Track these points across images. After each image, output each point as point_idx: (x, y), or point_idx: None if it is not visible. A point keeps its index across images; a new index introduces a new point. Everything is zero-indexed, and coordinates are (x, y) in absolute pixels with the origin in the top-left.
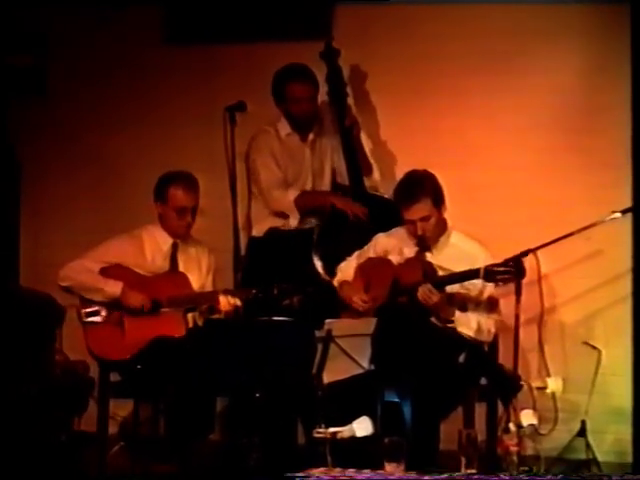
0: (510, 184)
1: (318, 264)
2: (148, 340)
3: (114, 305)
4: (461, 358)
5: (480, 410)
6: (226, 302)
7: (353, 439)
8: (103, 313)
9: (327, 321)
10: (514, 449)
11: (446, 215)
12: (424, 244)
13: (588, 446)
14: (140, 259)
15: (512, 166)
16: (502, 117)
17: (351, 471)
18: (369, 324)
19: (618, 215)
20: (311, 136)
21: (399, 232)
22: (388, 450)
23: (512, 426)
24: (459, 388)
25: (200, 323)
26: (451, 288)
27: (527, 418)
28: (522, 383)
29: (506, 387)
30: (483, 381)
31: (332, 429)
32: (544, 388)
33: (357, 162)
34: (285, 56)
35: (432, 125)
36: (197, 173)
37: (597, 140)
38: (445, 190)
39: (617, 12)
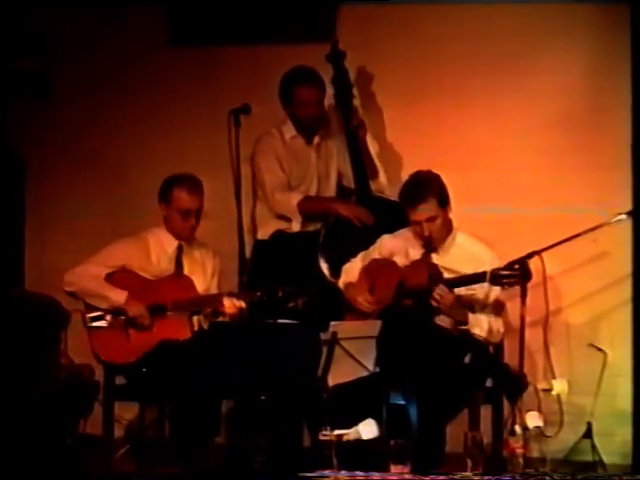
0: (515, 184)
1: (324, 266)
2: (153, 344)
3: (119, 311)
4: (466, 359)
5: (486, 412)
6: (231, 305)
7: (359, 441)
8: (108, 317)
9: (332, 323)
10: (520, 451)
11: (451, 216)
12: (430, 245)
13: (594, 448)
14: (145, 262)
15: (516, 167)
16: (506, 118)
17: (358, 474)
18: (374, 326)
19: (623, 217)
20: (317, 139)
21: (404, 233)
22: (394, 452)
23: (518, 428)
24: (464, 390)
25: (205, 326)
26: (458, 290)
27: (533, 420)
28: (528, 381)
29: (512, 386)
30: (489, 383)
31: (337, 431)
32: (550, 390)
33: (363, 165)
34: (289, 58)
35: (435, 126)
36: (201, 176)
37: (602, 140)
38: (450, 191)
39: (617, 12)
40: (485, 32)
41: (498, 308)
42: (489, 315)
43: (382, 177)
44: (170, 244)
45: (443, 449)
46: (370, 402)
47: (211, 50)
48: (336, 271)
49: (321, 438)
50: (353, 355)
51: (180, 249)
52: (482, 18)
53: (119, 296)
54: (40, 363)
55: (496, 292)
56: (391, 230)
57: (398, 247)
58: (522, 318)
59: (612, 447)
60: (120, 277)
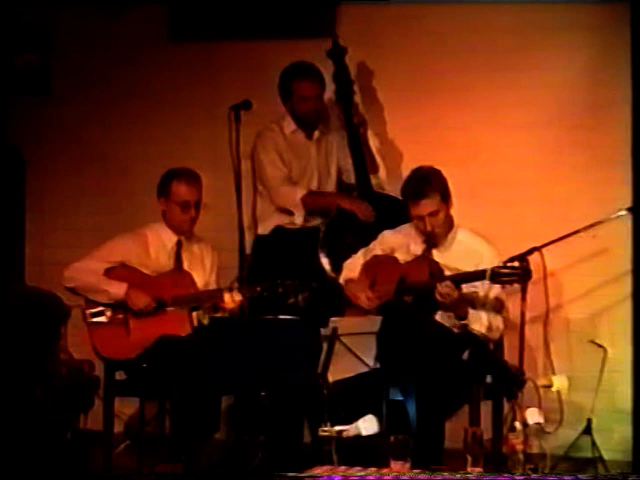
0: (515, 181)
1: (324, 262)
2: (153, 339)
3: (119, 305)
4: (465, 355)
5: (486, 408)
6: (230, 300)
7: (359, 437)
8: (108, 313)
9: (332, 319)
10: (520, 447)
11: (452, 212)
12: (432, 240)
13: (594, 444)
14: (144, 258)
15: (517, 163)
16: (507, 114)
17: (357, 469)
18: (375, 322)
19: (624, 213)
20: (316, 134)
21: (405, 229)
22: (394, 448)
23: (518, 424)
24: (464, 386)
25: (205, 322)
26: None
27: (533, 416)
28: (526, 378)
29: (510, 382)
30: (489, 379)
31: (338, 427)
32: (550, 386)
33: (364, 160)
34: (289, 54)
35: (436, 122)
36: (201, 171)
37: (602, 136)
38: (450, 187)
39: (618, 10)
40: (486, 28)
41: (498, 305)
42: (489, 312)
43: (382, 173)
44: (169, 239)
45: (443, 445)
46: (370, 398)
47: (211, 46)
48: (337, 267)
49: (321, 434)
50: (353, 351)
51: (179, 244)
52: (483, 14)
53: (119, 289)
54: (40, 359)
55: (496, 289)
56: (392, 226)
57: (399, 243)
58: (522, 314)
59: (612, 443)
60: (119, 272)
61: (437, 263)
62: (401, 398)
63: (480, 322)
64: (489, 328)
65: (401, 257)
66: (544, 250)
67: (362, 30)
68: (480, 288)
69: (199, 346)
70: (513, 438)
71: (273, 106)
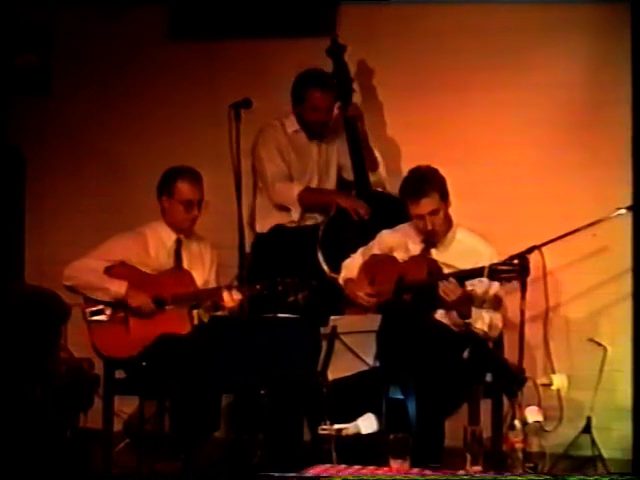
0: (514, 180)
1: (323, 262)
2: (153, 337)
3: (119, 304)
4: (465, 354)
5: (485, 407)
6: (230, 298)
7: (358, 436)
8: (108, 312)
9: (332, 318)
10: (519, 446)
11: (451, 211)
12: (431, 240)
13: (594, 443)
14: (144, 256)
15: (516, 162)
16: (506, 113)
17: (356, 468)
18: (374, 321)
19: (623, 211)
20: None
21: (404, 228)
22: (393, 447)
23: (517, 423)
24: (464, 384)
25: (205, 320)
26: None
27: (532, 415)
28: (526, 376)
29: (510, 381)
30: (488, 378)
31: (337, 426)
32: (549, 385)
33: (361, 156)
34: (289, 52)
35: (435, 120)
36: (201, 169)
37: (601, 136)
38: (449, 186)
39: (618, 10)
40: (485, 27)
41: (497, 303)
42: (488, 310)
43: (382, 170)
44: (169, 238)
45: (442, 443)
46: (370, 396)
47: (211, 44)
48: (335, 267)
49: (320, 432)
50: (353, 349)
51: (179, 243)
52: (482, 13)
53: (119, 287)
54: (40, 357)
55: (495, 287)
56: (390, 225)
57: (398, 242)
58: (522, 313)
59: (611, 442)
60: (119, 271)
61: (435, 261)
62: (401, 396)
63: (482, 320)
64: (490, 326)
65: (400, 256)
66: (544, 249)
67: (362, 29)
68: (479, 286)
69: (199, 344)
70: (513, 436)
71: (274, 104)
